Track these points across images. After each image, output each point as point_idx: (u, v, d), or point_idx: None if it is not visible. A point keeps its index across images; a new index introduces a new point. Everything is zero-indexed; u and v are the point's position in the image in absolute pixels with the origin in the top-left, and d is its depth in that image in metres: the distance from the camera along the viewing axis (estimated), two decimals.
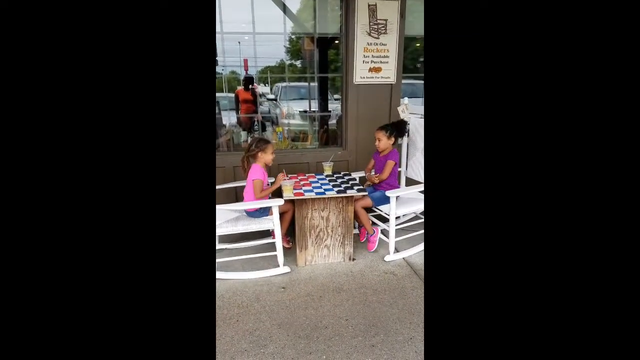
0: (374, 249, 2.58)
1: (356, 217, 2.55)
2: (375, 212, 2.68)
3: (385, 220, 2.55)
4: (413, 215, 2.97)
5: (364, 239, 2.69)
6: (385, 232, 2.60)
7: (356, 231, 2.80)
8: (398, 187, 2.63)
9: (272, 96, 7.11)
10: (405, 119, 2.74)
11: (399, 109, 2.77)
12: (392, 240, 2.47)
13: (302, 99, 6.02)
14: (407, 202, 2.59)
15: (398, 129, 2.62)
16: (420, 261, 2.45)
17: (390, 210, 2.40)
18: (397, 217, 2.61)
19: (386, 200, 2.45)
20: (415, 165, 2.76)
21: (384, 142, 2.56)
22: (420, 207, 2.58)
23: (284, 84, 6.64)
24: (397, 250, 2.53)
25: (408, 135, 2.76)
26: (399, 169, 2.81)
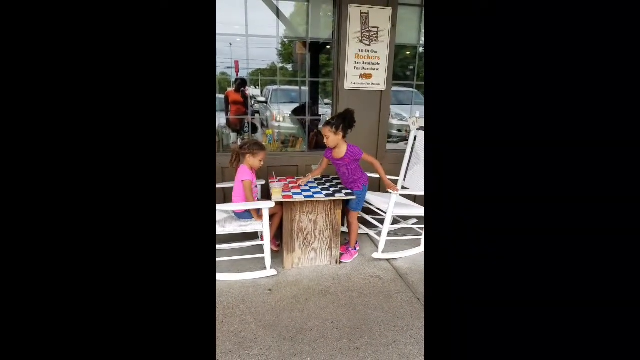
0: (347, 261, 2.52)
1: (348, 226, 2.57)
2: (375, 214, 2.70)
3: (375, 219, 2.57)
4: (403, 226, 3.01)
5: (347, 251, 2.60)
6: (375, 229, 2.62)
7: (344, 229, 2.81)
8: (364, 178, 2.50)
9: (262, 99, 7.10)
10: (415, 132, 2.79)
11: (410, 121, 2.83)
12: (383, 239, 2.52)
13: (292, 102, 6.03)
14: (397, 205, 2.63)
15: (345, 120, 2.28)
16: (405, 266, 2.48)
17: (388, 208, 2.44)
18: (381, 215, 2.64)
19: (360, 195, 2.46)
20: (414, 176, 2.77)
21: (331, 138, 2.28)
22: (407, 211, 2.61)
23: (275, 87, 6.63)
24: (383, 252, 2.57)
25: (413, 148, 2.80)
26: (397, 178, 2.86)
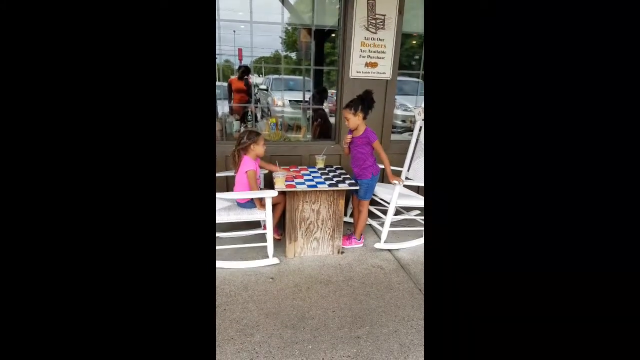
0: (346, 246, 2.57)
1: (357, 214, 2.59)
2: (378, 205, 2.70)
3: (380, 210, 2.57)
4: (405, 217, 3.01)
5: (349, 238, 2.63)
6: (378, 219, 2.62)
7: (347, 219, 2.81)
8: (375, 168, 2.49)
9: (264, 87, 7.05)
10: (420, 122, 2.77)
11: (415, 112, 2.80)
12: (386, 229, 2.52)
13: (291, 89, 5.99)
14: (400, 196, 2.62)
15: (363, 101, 2.35)
16: (407, 256, 2.49)
17: (392, 199, 2.44)
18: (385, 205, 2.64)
19: (368, 185, 2.47)
20: (418, 168, 2.75)
21: (352, 120, 2.36)
22: (410, 202, 2.61)
23: (275, 76, 6.58)
24: (385, 242, 2.58)
25: (418, 139, 2.77)
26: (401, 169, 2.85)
